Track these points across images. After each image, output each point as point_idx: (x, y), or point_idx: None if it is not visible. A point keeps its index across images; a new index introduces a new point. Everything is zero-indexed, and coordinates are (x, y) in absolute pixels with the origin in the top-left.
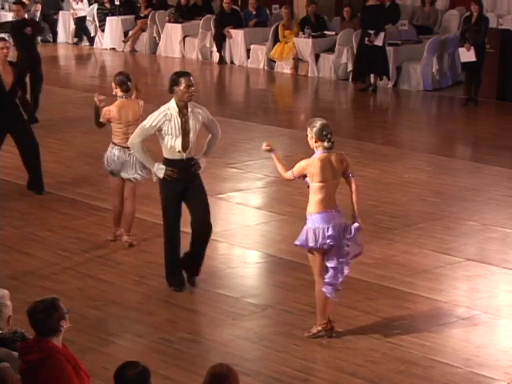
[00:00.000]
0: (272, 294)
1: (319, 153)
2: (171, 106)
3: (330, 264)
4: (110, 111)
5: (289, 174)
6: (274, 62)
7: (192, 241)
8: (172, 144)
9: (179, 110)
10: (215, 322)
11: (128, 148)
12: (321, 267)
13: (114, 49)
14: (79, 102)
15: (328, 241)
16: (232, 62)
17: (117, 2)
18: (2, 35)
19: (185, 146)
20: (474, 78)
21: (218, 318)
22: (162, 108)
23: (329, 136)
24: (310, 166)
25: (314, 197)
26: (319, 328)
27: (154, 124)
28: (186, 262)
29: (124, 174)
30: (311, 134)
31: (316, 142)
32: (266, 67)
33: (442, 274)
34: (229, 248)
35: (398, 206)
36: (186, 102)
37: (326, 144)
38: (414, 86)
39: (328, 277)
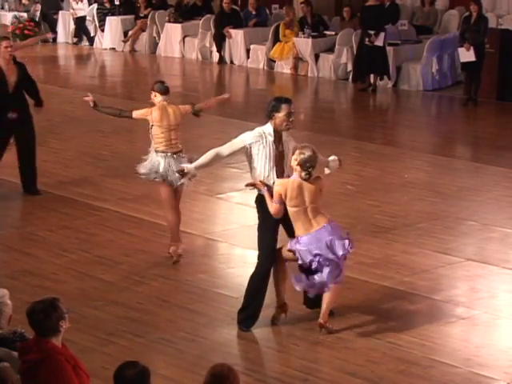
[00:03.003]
0: (271, 293)
1: (294, 176)
2: (267, 131)
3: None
4: (152, 111)
5: (274, 206)
6: (274, 61)
7: None
8: (265, 175)
9: (275, 137)
10: (215, 321)
11: (173, 153)
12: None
13: (113, 49)
14: (79, 102)
15: (316, 258)
16: (232, 62)
17: (116, 2)
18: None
19: (280, 176)
20: (474, 77)
21: (218, 318)
22: (257, 129)
23: (309, 169)
24: (285, 188)
25: (295, 222)
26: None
27: (244, 139)
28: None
29: (175, 181)
30: (297, 157)
31: (297, 166)
32: (265, 67)
33: (442, 274)
34: (229, 248)
35: (398, 206)
36: (282, 131)
37: (303, 175)
38: (413, 86)
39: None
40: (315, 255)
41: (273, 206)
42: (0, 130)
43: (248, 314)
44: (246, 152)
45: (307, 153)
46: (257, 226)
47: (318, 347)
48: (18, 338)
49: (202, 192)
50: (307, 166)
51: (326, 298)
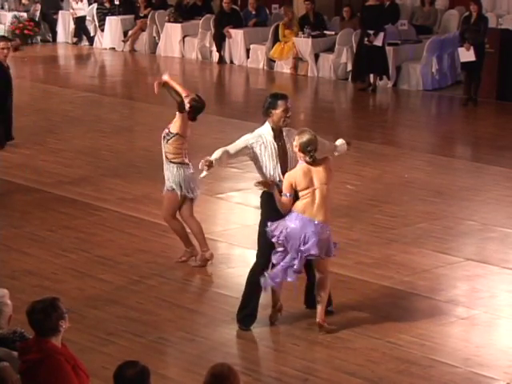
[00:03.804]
0: (271, 293)
1: (301, 163)
2: (266, 131)
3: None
4: (186, 126)
5: (284, 198)
6: (274, 61)
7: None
8: (271, 173)
9: (275, 135)
10: (215, 321)
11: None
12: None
13: (113, 48)
14: (79, 102)
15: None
16: (232, 62)
17: (116, 2)
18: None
19: (284, 173)
20: (474, 77)
21: (218, 318)
22: (256, 131)
23: (311, 152)
24: (294, 176)
25: (300, 202)
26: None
27: (246, 138)
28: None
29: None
30: (297, 144)
31: (299, 151)
32: (265, 67)
33: (442, 274)
34: (228, 248)
35: (398, 206)
36: (281, 128)
37: (307, 158)
38: (413, 86)
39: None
40: (283, 236)
41: (281, 200)
42: None
43: (247, 313)
44: (250, 153)
45: (306, 136)
46: (258, 223)
47: (317, 347)
48: (18, 338)
49: (202, 192)
50: (308, 149)
51: (318, 296)
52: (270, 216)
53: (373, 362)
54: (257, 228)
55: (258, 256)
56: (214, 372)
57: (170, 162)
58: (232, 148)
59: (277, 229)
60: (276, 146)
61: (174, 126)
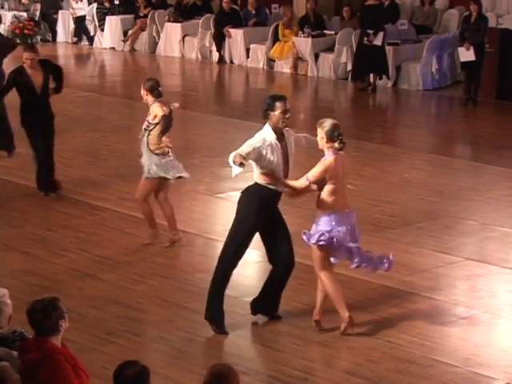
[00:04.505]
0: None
1: (331, 154)
2: (268, 134)
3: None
4: (163, 110)
5: (302, 181)
6: (274, 61)
7: (273, 277)
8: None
9: (276, 136)
10: None
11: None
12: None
13: (113, 48)
14: (79, 102)
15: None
16: (231, 62)
17: (116, 2)
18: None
19: (286, 175)
20: (474, 77)
21: None
22: (258, 135)
23: (340, 137)
24: (329, 167)
25: (329, 198)
26: (345, 322)
27: (251, 143)
28: (264, 305)
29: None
30: (322, 134)
31: (327, 142)
32: (265, 67)
33: (442, 274)
34: None
35: (398, 206)
36: (281, 129)
37: (336, 145)
38: (413, 86)
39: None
40: (333, 233)
41: (299, 185)
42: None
43: (218, 316)
44: (256, 157)
45: (328, 122)
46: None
47: (317, 346)
48: (18, 338)
49: (201, 191)
50: (336, 134)
51: (319, 296)
52: (247, 217)
53: (372, 361)
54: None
55: (226, 257)
56: (214, 372)
57: (153, 152)
58: (243, 152)
59: (312, 237)
60: (280, 148)
61: (154, 115)
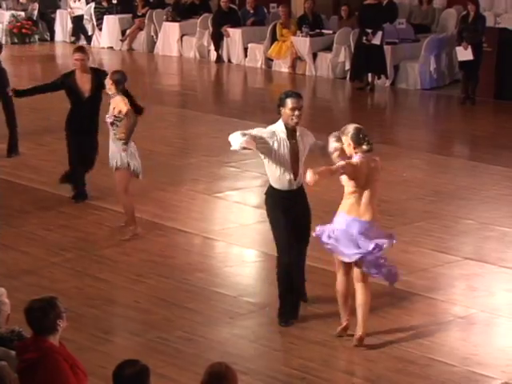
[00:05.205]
0: (269, 292)
1: (359, 156)
2: (279, 128)
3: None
4: (126, 105)
5: (341, 164)
6: (272, 60)
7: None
8: (281, 172)
9: (287, 133)
10: (213, 320)
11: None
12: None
13: (111, 47)
14: None
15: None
16: (229, 61)
17: (114, 1)
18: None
19: (295, 173)
20: (472, 76)
21: (216, 317)
22: (269, 127)
23: (366, 138)
24: (360, 166)
25: (345, 200)
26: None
27: (261, 131)
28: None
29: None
30: (348, 141)
31: (355, 147)
32: (263, 66)
33: (440, 273)
34: (226, 247)
35: (396, 205)
36: (293, 126)
37: (364, 147)
38: (411, 85)
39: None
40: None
41: (335, 167)
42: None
43: (285, 310)
44: (264, 147)
45: (351, 127)
46: (269, 221)
47: (315, 346)
48: (16, 337)
49: (200, 191)
50: (361, 136)
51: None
52: (275, 213)
53: (371, 360)
54: (255, 227)
55: (279, 255)
56: (212, 371)
57: (121, 142)
58: (253, 134)
59: (324, 234)
60: (289, 145)
61: (118, 110)
